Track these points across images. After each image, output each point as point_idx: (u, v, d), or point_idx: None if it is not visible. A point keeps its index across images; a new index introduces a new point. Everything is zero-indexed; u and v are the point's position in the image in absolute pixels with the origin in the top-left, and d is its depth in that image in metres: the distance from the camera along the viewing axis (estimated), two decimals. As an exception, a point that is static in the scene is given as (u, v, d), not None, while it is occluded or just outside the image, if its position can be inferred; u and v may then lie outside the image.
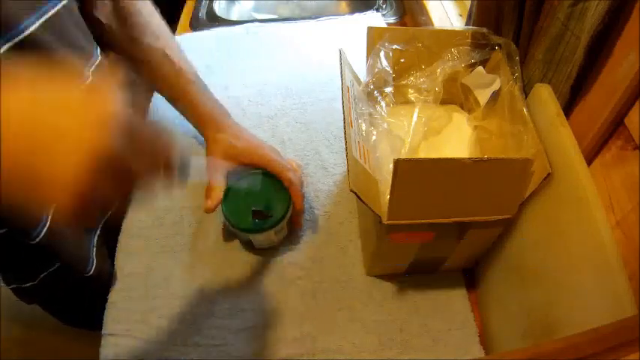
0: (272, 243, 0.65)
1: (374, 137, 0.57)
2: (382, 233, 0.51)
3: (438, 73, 0.60)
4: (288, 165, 0.63)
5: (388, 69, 0.59)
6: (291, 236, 0.68)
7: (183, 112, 0.68)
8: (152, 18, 0.63)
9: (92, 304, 0.63)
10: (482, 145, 0.61)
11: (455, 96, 0.65)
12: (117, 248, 0.68)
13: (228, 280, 0.64)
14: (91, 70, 0.54)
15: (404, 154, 0.59)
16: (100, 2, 0.57)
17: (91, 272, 0.62)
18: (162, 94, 0.68)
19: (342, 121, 0.51)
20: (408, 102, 0.63)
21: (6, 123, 0.26)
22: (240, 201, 0.61)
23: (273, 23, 1.05)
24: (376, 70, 0.58)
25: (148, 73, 0.65)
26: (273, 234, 0.62)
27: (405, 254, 0.58)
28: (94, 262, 0.63)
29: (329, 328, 0.60)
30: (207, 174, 0.62)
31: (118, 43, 0.61)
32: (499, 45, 0.57)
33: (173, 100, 0.67)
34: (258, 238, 0.63)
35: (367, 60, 0.59)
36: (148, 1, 0.64)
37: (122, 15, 0.60)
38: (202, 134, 0.67)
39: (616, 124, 0.43)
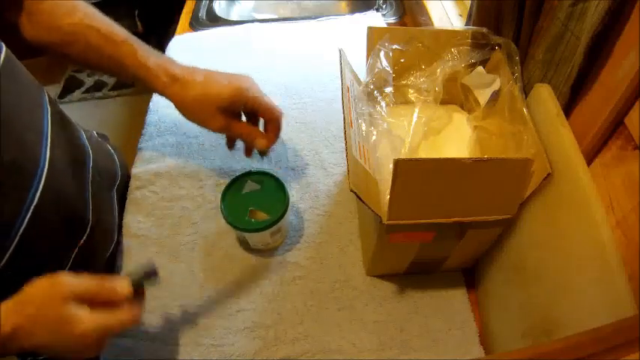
0: (267, 244, 0.66)
1: (374, 137, 0.57)
2: (382, 233, 0.51)
3: (438, 73, 0.60)
4: (258, 91, 0.60)
5: (388, 69, 0.59)
6: (291, 236, 0.68)
7: (130, 78, 0.60)
8: None
9: None
10: (482, 145, 0.61)
11: (455, 96, 0.65)
12: (117, 248, 0.68)
13: (228, 280, 0.64)
14: None
15: (404, 154, 0.59)
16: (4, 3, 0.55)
17: None
18: (101, 69, 0.61)
19: (342, 121, 0.51)
20: (408, 102, 0.63)
21: None
22: (239, 200, 0.62)
23: (273, 23, 1.05)
24: (376, 70, 0.58)
25: (78, 53, 0.58)
26: (268, 235, 0.62)
27: (405, 254, 0.58)
28: None
29: (329, 328, 0.60)
30: (202, 123, 0.60)
31: (34, 35, 0.57)
32: (499, 45, 0.57)
33: (113, 68, 0.60)
34: (254, 239, 0.64)
35: (367, 60, 0.59)
36: None
37: (29, 7, 0.56)
38: (159, 92, 0.60)
39: (616, 124, 0.43)
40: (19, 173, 0.48)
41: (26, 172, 0.48)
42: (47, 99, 0.56)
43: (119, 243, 0.68)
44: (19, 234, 0.48)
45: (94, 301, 0.44)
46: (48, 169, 0.51)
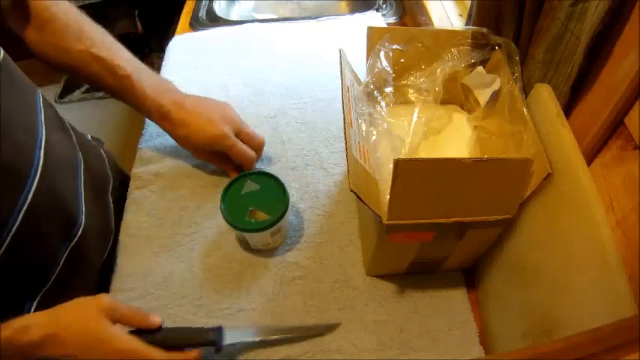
0: (268, 245, 0.66)
1: (374, 137, 0.57)
2: (382, 233, 0.51)
3: (438, 73, 0.60)
4: (233, 140, 0.66)
5: (388, 69, 0.59)
6: (291, 236, 0.68)
7: (129, 104, 0.66)
8: (70, 19, 0.60)
9: None
10: (482, 145, 0.61)
11: (455, 96, 0.65)
12: (117, 248, 0.68)
13: (228, 280, 0.64)
14: None
15: (404, 154, 0.59)
16: (12, 13, 0.55)
17: None
18: (102, 90, 0.65)
19: (342, 121, 0.51)
20: (408, 102, 0.63)
21: None
22: (239, 200, 0.62)
23: (273, 23, 1.05)
24: (376, 70, 0.58)
25: (79, 76, 0.62)
26: (268, 235, 0.62)
27: (405, 254, 0.58)
28: None
29: (329, 328, 0.60)
30: (193, 153, 0.70)
31: (41, 52, 0.59)
32: (499, 45, 0.57)
33: (115, 95, 0.65)
34: (254, 239, 0.64)
35: (367, 60, 0.59)
36: (65, 1, 0.60)
37: (38, 24, 0.58)
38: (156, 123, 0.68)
39: (616, 124, 0.43)
40: (14, 174, 0.48)
41: (20, 173, 0.49)
42: (41, 100, 0.56)
43: (117, 242, 0.68)
44: (12, 234, 0.48)
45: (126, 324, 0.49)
46: (42, 171, 0.51)
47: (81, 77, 0.62)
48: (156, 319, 0.52)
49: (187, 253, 0.67)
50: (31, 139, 0.52)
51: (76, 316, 0.47)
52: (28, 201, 0.49)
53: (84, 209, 0.60)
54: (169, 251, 0.67)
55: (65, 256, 0.57)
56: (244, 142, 0.69)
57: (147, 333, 0.51)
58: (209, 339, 0.54)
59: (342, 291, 0.63)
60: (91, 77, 0.62)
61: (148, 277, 0.64)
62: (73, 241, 0.58)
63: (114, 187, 0.73)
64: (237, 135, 0.68)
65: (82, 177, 0.62)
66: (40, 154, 0.52)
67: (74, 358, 0.45)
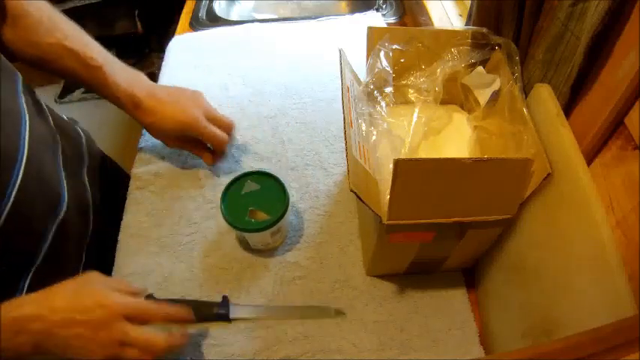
0: (268, 245, 0.66)
1: (374, 137, 0.57)
2: (382, 233, 0.51)
3: (438, 73, 0.60)
4: (204, 123, 0.67)
5: (388, 69, 0.59)
6: (291, 236, 0.68)
7: (102, 96, 0.67)
8: (43, 15, 0.61)
9: None
10: (483, 145, 0.61)
11: (455, 96, 0.65)
12: (117, 248, 0.68)
13: (228, 280, 0.64)
14: None
15: (404, 154, 0.59)
16: None
17: None
18: (75, 82, 0.66)
19: (342, 121, 0.51)
20: (408, 102, 0.63)
21: None
22: (239, 200, 0.62)
23: (273, 23, 1.05)
24: (376, 70, 0.58)
25: (53, 70, 0.63)
26: (268, 235, 0.62)
27: (405, 254, 0.58)
28: None
29: (329, 328, 0.60)
30: (162, 141, 0.71)
31: (16, 48, 0.60)
32: (499, 45, 0.57)
33: (88, 88, 0.66)
34: (254, 239, 0.64)
35: (367, 60, 0.59)
36: (40, 0, 0.62)
37: (11, 21, 0.58)
38: (128, 114, 0.68)
39: (616, 124, 0.43)
40: (3, 159, 0.51)
41: (9, 157, 0.52)
42: (21, 85, 0.59)
43: (116, 242, 0.68)
44: (3, 217, 0.50)
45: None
46: (27, 154, 0.54)
47: (55, 71, 0.63)
48: (146, 290, 0.55)
49: (187, 253, 0.67)
50: (17, 124, 0.54)
51: (67, 284, 0.48)
52: (17, 184, 0.52)
53: (65, 186, 0.63)
54: (169, 251, 0.67)
55: (53, 232, 0.59)
56: (215, 126, 0.70)
57: None
58: (219, 313, 0.59)
59: (342, 291, 0.63)
60: (65, 70, 0.62)
61: (148, 277, 0.64)
62: (59, 218, 0.60)
63: (91, 166, 0.74)
64: (208, 120, 0.69)
65: (61, 157, 0.64)
66: (25, 137, 0.55)
67: (66, 321, 0.46)
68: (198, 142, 0.72)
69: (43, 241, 0.58)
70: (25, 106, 0.57)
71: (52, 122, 0.65)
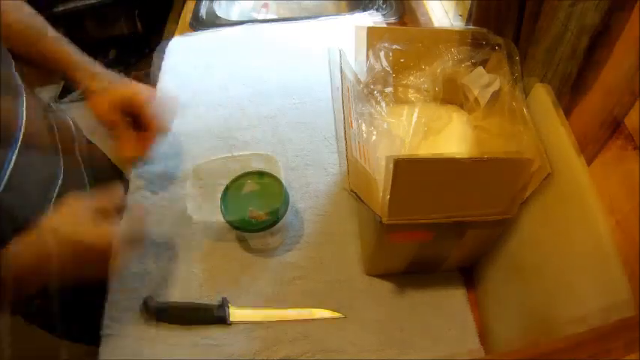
0: (267, 245, 0.66)
1: (374, 137, 0.57)
2: (381, 233, 0.51)
3: (438, 73, 0.60)
4: (150, 101, 0.67)
5: (388, 69, 0.59)
6: (291, 236, 0.68)
7: (59, 69, 0.67)
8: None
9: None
10: (482, 145, 0.61)
11: (455, 96, 0.65)
12: (117, 248, 0.68)
13: (228, 280, 0.64)
14: None
15: (404, 154, 0.59)
16: None
17: None
18: (31, 63, 0.66)
19: (342, 121, 0.51)
20: (408, 102, 0.63)
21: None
22: (239, 200, 0.62)
23: (273, 23, 1.05)
24: (376, 70, 0.58)
25: (11, 49, 0.61)
26: (268, 235, 0.62)
27: (405, 254, 0.58)
28: None
29: (329, 328, 0.60)
30: (103, 122, 0.68)
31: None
32: (499, 45, 0.57)
33: (44, 63, 0.66)
34: (254, 239, 0.64)
35: (367, 60, 0.59)
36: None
37: None
38: (75, 83, 0.67)
39: (616, 124, 0.43)
40: (4, 131, 0.54)
41: (9, 131, 0.55)
42: (13, 65, 0.60)
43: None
44: (3, 182, 0.53)
45: None
46: (25, 128, 0.57)
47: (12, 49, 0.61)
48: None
49: (187, 253, 0.67)
50: (15, 99, 0.57)
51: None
52: (13, 159, 0.54)
53: (62, 165, 0.65)
54: (170, 251, 0.67)
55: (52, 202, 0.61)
56: None
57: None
58: (217, 315, 0.60)
59: (341, 291, 0.63)
60: (20, 47, 0.62)
61: (148, 277, 0.64)
62: (55, 192, 0.62)
63: (82, 148, 0.76)
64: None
65: (57, 132, 0.68)
66: (22, 112, 0.58)
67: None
68: (129, 126, 0.69)
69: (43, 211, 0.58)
70: (20, 83, 0.60)
71: (43, 105, 0.68)
